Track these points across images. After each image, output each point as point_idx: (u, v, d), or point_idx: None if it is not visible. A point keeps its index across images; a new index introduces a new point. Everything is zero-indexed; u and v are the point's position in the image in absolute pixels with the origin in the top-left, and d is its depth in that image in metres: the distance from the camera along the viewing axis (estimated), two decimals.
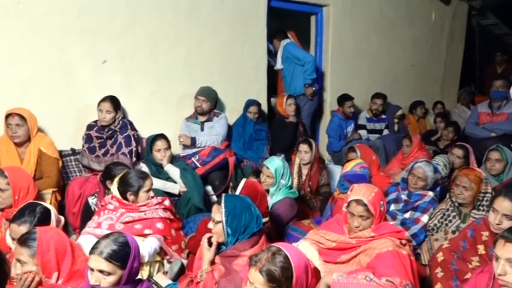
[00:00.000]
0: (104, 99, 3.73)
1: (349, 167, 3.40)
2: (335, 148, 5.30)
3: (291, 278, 1.68)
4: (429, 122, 6.45)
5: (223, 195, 2.35)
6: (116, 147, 3.75)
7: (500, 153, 3.74)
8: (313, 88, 5.13)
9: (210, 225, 2.30)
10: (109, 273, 1.81)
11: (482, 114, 5.01)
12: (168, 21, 4.19)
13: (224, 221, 2.20)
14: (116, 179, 2.91)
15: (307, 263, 1.77)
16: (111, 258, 1.80)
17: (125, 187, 2.85)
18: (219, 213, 2.23)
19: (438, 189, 3.41)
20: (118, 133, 3.78)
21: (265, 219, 2.83)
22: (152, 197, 2.89)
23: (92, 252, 1.83)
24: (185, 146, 4.26)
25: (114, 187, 2.89)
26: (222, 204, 2.23)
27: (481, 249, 2.44)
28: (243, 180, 2.96)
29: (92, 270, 1.82)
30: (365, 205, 2.33)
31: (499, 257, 1.79)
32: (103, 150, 3.75)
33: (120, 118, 3.82)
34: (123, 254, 1.83)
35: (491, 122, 4.88)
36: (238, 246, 2.19)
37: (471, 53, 8.19)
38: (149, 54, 4.14)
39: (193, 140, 4.20)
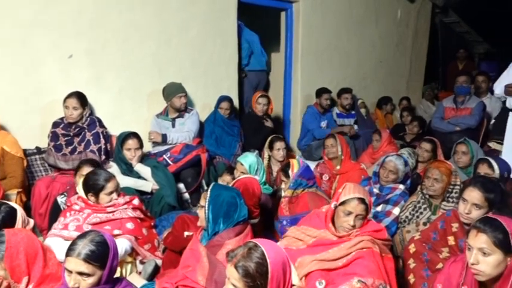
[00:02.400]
0: (70, 95, 3.60)
1: (295, 166, 3.30)
2: (320, 135, 5.15)
3: (266, 274, 1.65)
4: (396, 117, 6.62)
5: (213, 183, 2.49)
6: (84, 145, 3.62)
7: (467, 146, 3.86)
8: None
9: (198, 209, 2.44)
10: (88, 275, 1.74)
11: (447, 109, 5.17)
12: (137, 15, 4.08)
13: (206, 207, 2.32)
14: (81, 179, 2.80)
15: (286, 260, 1.74)
16: (90, 259, 1.73)
17: (86, 188, 2.74)
18: (204, 199, 2.37)
19: (408, 182, 3.49)
20: (86, 130, 3.65)
21: (254, 220, 2.83)
22: (117, 198, 2.76)
23: (68, 254, 1.76)
24: (156, 143, 4.18)
25: (79, 187, 2.78)
26: (208, 191, 2.38)
27: (451, 240, 2.50)
28: (242, 176, 3.04)
29: (70, 272, 1.74)
30: (366, 204, 2.32)
31: (471, 247, 1.84)
32: (70, 148, 3.62)
33: (87, 115, 3.69)
34: (101, 254, 1.77)
35: (455, 116, 5.04)
36: (223, 235, 2.28)
37: (434, 50, 8.46)
38: (118, 49, 4.02)
39: (164, 137, 4.12)
